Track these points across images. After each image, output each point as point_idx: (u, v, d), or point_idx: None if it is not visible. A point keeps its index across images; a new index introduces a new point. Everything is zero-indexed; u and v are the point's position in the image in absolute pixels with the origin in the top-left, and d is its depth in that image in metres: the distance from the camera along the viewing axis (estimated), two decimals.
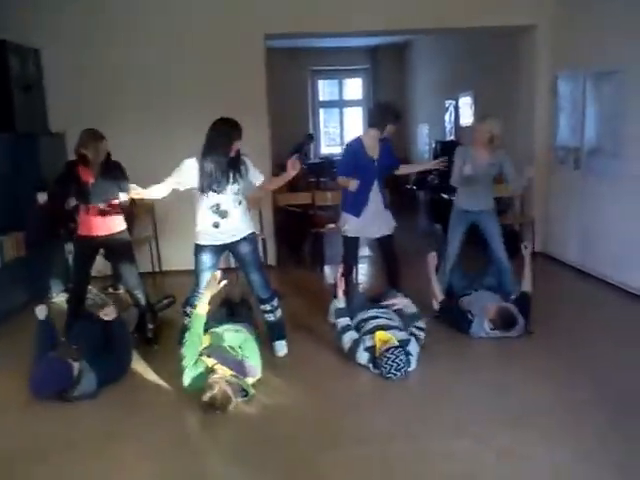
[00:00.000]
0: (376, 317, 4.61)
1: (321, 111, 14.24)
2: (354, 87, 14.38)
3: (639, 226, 5.64)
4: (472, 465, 3.19)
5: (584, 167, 6.53)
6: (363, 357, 4.30)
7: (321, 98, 14.20)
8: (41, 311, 4.38)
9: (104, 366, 4.09)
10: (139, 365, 4.52)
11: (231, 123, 4.33)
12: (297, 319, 5.32)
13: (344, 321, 4.53)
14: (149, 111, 6.91)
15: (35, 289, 5.93)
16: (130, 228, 5.18)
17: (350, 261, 5.42)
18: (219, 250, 4.50)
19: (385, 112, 5.27)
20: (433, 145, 10.66)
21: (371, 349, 4.27)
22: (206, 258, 4.46)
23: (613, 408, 3.68)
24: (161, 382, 4.26)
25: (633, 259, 5.74)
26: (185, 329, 4.27)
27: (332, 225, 7.39)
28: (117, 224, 4.85)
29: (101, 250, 4.99)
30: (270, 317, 4.63)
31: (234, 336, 4.16)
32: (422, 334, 4.46)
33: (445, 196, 8.21)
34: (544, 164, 7.32)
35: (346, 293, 4.77)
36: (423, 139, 12.03)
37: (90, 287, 5.12)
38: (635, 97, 5.60)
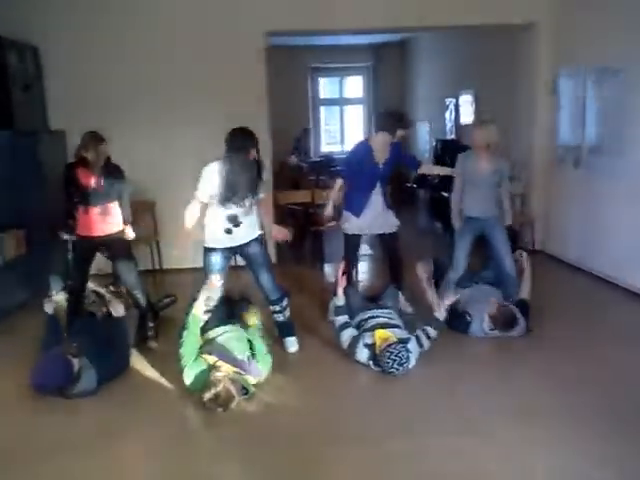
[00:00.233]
0: (376, 316, 4.60)
1: (322, 109, 14.21)
2: (355, 85, 14.34)
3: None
4: (474, 463, 3.19)
5: (585, 166, 6.51)
6: (363, 354, 4.30)
7: (322, 96, 14.17)
8: (49, 305, 4.44)
9: (104, 363, 4.10)
10: (139, 363, 4.52)
11: (249, 133, 4.44)
12: (297, 317, 5.30)
13: (342, 319, 4.53)
14: (149, 109, 6.90)
15: (35, 287, 5.92)
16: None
17: (350, 259, 5.42)
18: (229, 252, 4.57)
19: (397, 117, 5.30)
20: (434, 143, 10.64)
21: (371, 346, 4.27)
22: (216, 260, 4.51)
23: (614, 408, 3.68)
24: (161, 380, 4.27)
25: (634, 258, 5.73)
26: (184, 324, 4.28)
27: (332, 223, 7.39)
28: (115, 224, 4.88)
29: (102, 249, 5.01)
30: (279, 317, 4.68)
31: (241, 346, 4.15)
32: (428, 342, 4.41)
33: (445, 194, 8.18)
34: (545, 163, 7.32)
35: (346, 291, 4.77)
36: (424, 137, 12.01)
37: (94, 285, 5.13)
38: (637, 96, 5.59)
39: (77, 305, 4.87)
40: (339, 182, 5.33)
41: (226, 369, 3.83)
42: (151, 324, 4.95)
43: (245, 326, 4.41)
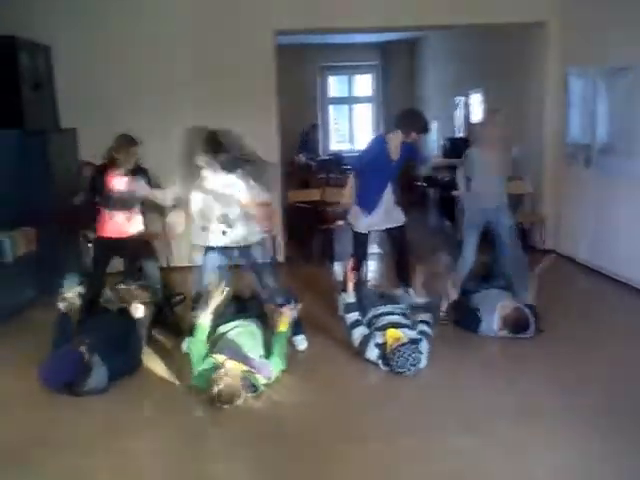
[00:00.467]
0: (390, 313, 4.60)
1: (330, 107, 14.20)
2: (364, 83, 14.33)
3: None
4: (479, 462, 3.19)
5: (595, 165, 6.48)
6: (373, 353, 4.30)
7: (331, 94, 14.16)
8: (63, 303, 4.49)
9: (116, 361, 4.11)
10: (150, 360, 4.53)
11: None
12: (306, 315, 5.30)
13: (353, 316, 4.52)
14: (159, 108, 6.91)
15: (45, 284, 5.96)
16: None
17: (360, 256, 5.43)
18: (226, 252, 4.59)
19: (415, 120, 5.24)
20: (442, 142, 10.62)
21: (381, 346, 4.27)
22: (214, 258, 4.56)
23: (620, 408, 3.67)
24: (171, 378, 4.28)
25: None
26: (193, 325, 4.30)
27: (341, 222, 7.39)
28: (136, 226, 4.99)
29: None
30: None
31: (254, 344, 4.18)
32: (429, 329, 4.44)
33: (455, 193, 8.17)
34: (555, 162, 7.28)
35: (356, 288, 4.77)
36: (433, 136, 11.97)
37: (113, 284, 5.19)
38: None
39: (91, 304, 4.91)
40: (352, 179, 5.30)
41: (235, 367, 3.83)
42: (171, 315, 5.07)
43: (265, 322, 4.43)
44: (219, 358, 3.91)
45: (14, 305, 5.61)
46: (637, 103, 5.70)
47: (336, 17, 6.99)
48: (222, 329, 4.26)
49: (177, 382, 4.20)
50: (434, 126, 11.89)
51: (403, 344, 4.14)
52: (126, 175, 4.82)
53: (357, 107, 14.38)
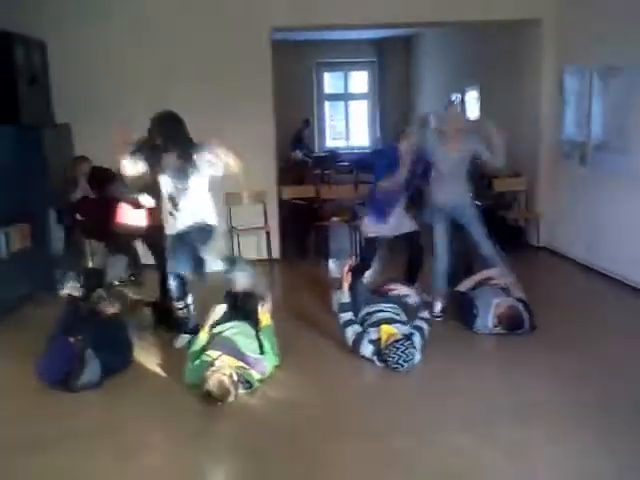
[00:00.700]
0: (382, 310, 4.61)
1: (326, 104, 14.20)
2: (360, 80, 14.32)
3: None
4: (476, 460, 3.19)
5: (590, 162, 6.49)
6: (368, 350, 4.31)
7: (326, 91, 14.15)
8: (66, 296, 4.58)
9: (109, 356, 4.12)
10: (143, 357, 4.53)
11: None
12: (302, 312, 5.33)
13: (346, 315, 4.53)
14: (154, 105, 6.86)
15: (39, 280, 5.95)
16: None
17: (369, 260, 5.48)
18: (179, 240, 4.53)
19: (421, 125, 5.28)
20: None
21: (376, 342, 4.28)
22: (171, 246, 4.55)
23: (618, 406, 3.68)
24: (165, 374, 4.28)
25: (639, 255, 5.72)
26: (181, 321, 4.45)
27: (336, 218, 7.40)
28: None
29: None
30: (190, 306, 4.71)
31: (249, 343, 4.18)
32: (426, 325, 4.46)
33: None
34: (550, 159, 7.30)
35: (351, 288, 4.77)
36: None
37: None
38: None
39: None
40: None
41: (228, 363, 3.83)
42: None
43: (256, 325, 4.41)
44: (213, 354, 3.92)
45: (9, 301, 5.59)
46: (632, 101, 5.71)
47: (333, 14, 6.97)
48: (217, 329, 4.27)
49: (171, 378, 4.19)
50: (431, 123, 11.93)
51: (397, 340, 4.15)
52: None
53: (353, 104, 14.37)
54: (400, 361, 4.10)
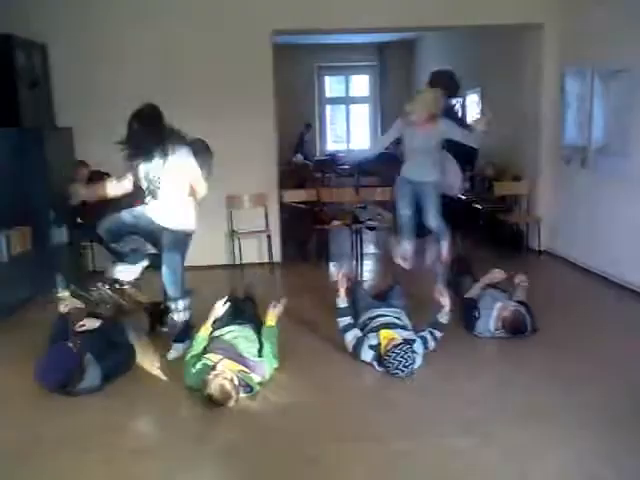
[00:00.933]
0: (383, 315, 4.60)
1: (327, 107, 14.21)
2: (361, 84, 14.34)
3: None
4: (476, 462, 3.19)
5: (591, 165, 6.49)
6: (368, 355, 4.29)
7: (327, 94, 14.17)
8: (64, 305, 4.47)
9: (109, 361, 4.10)
10: (144, 360, 4.52)
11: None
12: (302, 315, 5.32)
13: (345, 320, 4.52)
14: None
15: (40, 283, 5.95)
16: None
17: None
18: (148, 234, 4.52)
19: None
20: None
21: (376, 347, 4.26)
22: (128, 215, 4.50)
23: (618, 407, 3.67)
24: (164, 377, 4.27)
25: (639, 258, 5.71)
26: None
27: (337, 222, 7.40)
28: None
29: None
30: (174, 317, 4.55)
31: (249, 346, 4.17)
32: (433, 343, 4.41)
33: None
34: (551, 162, 7.30)
35: (353, 289, 4.77)
36: None
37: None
38: None
39: None
40: None
41: (229, 367, 3.83)
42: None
43: (259, 325, 4.41)
44: (214, 358, 3.91)
45: (9, 304, 5.59)
46: (633, 104, 5.71)
47: (334, 17, 6.98)
48: (217, 333, 4.26)
49: (172, 382, 4.18)
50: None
51: (397, 345, 4.14)
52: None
53: (354, 107, 14.38)
54: (400, 367, 4.08)
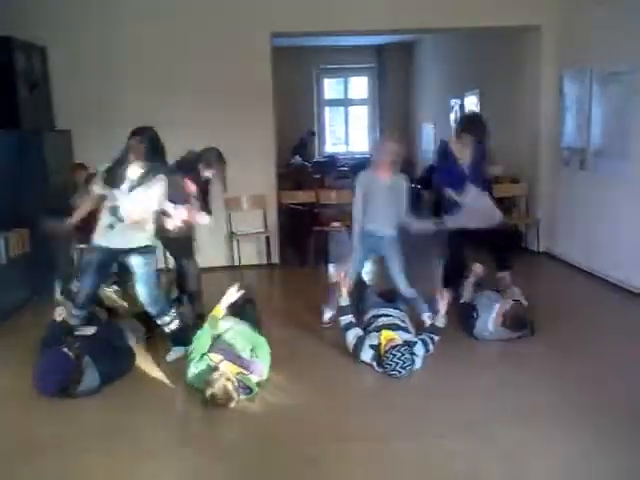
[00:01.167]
0: (387, 315, 4.60)
1: (326, 109, 14.22)
2: (360, 86, 14.35)
3: None
4: (476, 462, 3.19)
5: (590, 168, 6.49)
6: (368, 354, 4.30)
7: (326, 96, 14.18)
8: (60, 313, 4.43)
9: (107, 363, 4.10)
10: (143, 361, 4.52)
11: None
12: (301, 317, 5.32)
13: (347, 318, 4.53)
14: (155, 110, 6.89)
15: (38, 285, 5.94)
16: None
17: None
18: (108, 255, 4.39)
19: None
20: (438, 144, 10.63)
21: (376, 347, 4.27)
22: (94, 259, 4.39)
23: (618, 408, 3.67)
24: (165, 379, 4.27)
25: (638, 260, 5.71)
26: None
27: (336, 223, 7.40)
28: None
29: None
30: (165, 329, 4.54)
31: (245, 343, 4.18)
32: (432, 346, 4.42)
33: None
34: (549, 164, 7.31)
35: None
36: (428, 138, 12.00)
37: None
38: None
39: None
40: None
41: (229, 369, 3.84)
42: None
43: (258, 327, 4.44)
44: (215, 358, 3.93)
45: (7, 306, 5.59)
46: (631, 106, 5.72)
47: (334, 19, 6.99)
48: (218, 331, 4.26)
49: (172, 383, 4.18)
50: (430, 128, 11.96)
51: (396, 346, 4.14)
52: None
53: (353, 109, 14.39)
54: (398, 368, 4.08)
